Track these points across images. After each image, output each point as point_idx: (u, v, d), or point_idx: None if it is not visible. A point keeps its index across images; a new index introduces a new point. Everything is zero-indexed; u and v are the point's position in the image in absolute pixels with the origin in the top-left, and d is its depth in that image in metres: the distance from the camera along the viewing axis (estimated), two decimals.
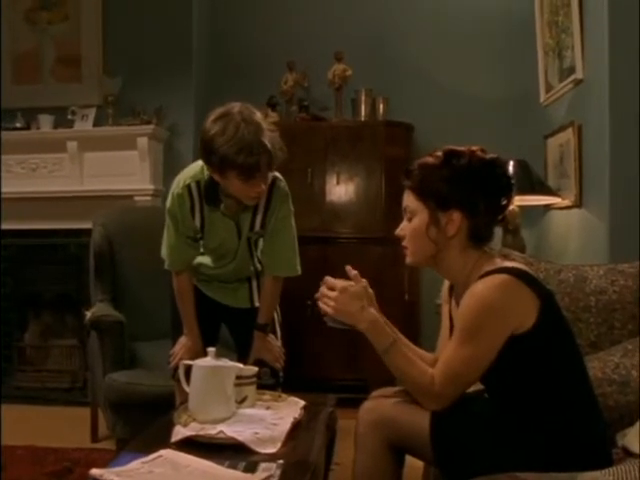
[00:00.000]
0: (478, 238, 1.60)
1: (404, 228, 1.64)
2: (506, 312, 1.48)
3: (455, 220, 1.56)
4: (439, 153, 1.61)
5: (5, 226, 4.04)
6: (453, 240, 1.58)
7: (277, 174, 2.21)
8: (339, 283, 1.59)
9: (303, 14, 4.32)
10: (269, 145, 1.96)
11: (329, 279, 1.62)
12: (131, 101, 4.01)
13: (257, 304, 2.39)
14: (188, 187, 2.15)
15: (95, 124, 4.03)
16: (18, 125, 4.07)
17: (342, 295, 1.57)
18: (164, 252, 2.31)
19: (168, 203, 2.23)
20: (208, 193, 2.14)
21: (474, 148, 1.60)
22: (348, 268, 1.64)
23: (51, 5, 4.18)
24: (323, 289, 1.60)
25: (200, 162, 2.14)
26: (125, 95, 4.07)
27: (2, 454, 2.84)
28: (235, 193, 2.07)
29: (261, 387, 1.99)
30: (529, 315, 1.48)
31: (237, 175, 1.97)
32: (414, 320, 3.98)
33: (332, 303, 1.58)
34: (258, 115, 2.02)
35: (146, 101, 3.98)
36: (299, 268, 2.32)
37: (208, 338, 2.26)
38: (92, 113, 4.04)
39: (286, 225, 2.25)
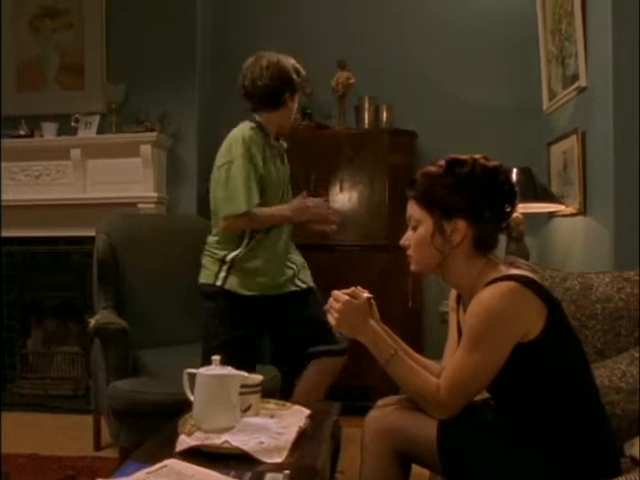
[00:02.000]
0: (483, 246, 1.60)
1: (409, 238, 1.64)
2: (513, 319, 1.47)
3: (460, 228, 1.56)
4: (442, 162, 1.61)
5: (8, 233, 4.05)
6: (458, 248, 1.58)
7: None
8: (343, 297, 1.61)
9: (306, 22, 4.33)
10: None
11: (336, 292, 1.64)
12: (134, 108, 4.03)
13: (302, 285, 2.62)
14: (251, 130, 2.46)
15: (99, 131, 4.04)
16: (22, 132, 4.08)
17: (344, 308, 1.60)
18: (237, 196, 2.40)
19: (238, 149, 2.40)
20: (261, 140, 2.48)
21: (477, 156, 1.60)
22: (358, 288, 1.66)
23: (55, 13, 4.20)
24: (330, 301, 1.63)
25: (244, 126, 2.48)
26: (129, 102, 4.08)
27: (3, 462, 2.83)
28: (289, 119, 2.59)
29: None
30: (536, 323, 1.47)
31: (291, 99, 2.54)
32: (418, 327, 3.97)
33: (335, 315, 1.60)
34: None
35: (150, 108, 3.99)
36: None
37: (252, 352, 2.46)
38: (96, 120, 4.05)
39: None
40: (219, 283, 2.51)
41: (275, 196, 2.54)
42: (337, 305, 1.60)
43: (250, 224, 2.47)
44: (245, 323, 2.49)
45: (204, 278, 2.58)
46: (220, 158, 2.50)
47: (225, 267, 2.52)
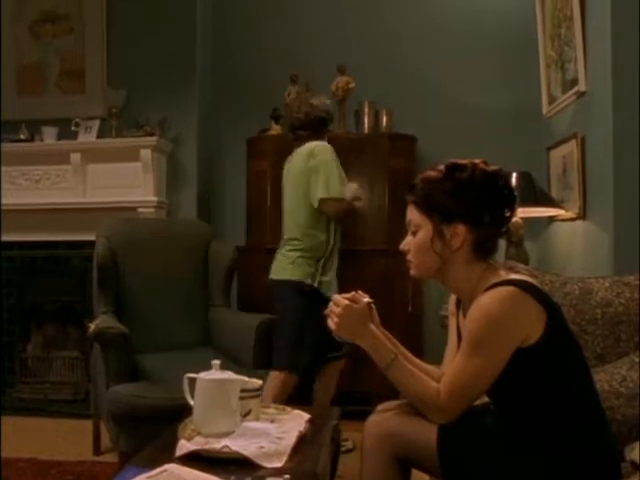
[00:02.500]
0: (483, 250, 1.60)
1: (408, 242, 1.64)
2: (513, 324, 1.47)
3: (460, 233, 1.56)
4: (441, 167, 1.61)
5: (8, 238, 4.05)
6: (458, 253, 1.58)
7: None
8: (343, 301, 1.61)
9: (306, 26, 4.34)
10: None
11: (336, 296, 1.64)
12: (135, 113, 4.03)
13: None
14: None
15: (99, 136, 4.04)
16: (22, 137, 4.08)
17: (344, 312, 1.60)
18: (335, 185, 2.95)
19: (328, 154, 2.99)
20: None
21: (476, 161, 1.60)
22: (359, 293, 1.67)
23: (56, 18, 4.21)
24: (331, 305, 1.63)
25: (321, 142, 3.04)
26: (129, 107, 4.09)
27: (2, 467, 2.83)
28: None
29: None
30: (536, 327, 1.47)
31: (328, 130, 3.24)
32: (418, 332, 3.96)
33: (335, 319, 1.60)
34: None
35: (150, 113, 4.00)
36: None
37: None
38: (96, 125, 4.05)
39: None
40: (316, 284, 2.94)
41: None
42: (337, 310, 1.60)
43: (342, 207, 3.01)
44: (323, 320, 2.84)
45: (298, 276, 2.95)
46: (309, 160, 2.97)
47: (320, 268, 2.98)
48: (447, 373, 1.55)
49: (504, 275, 1.55)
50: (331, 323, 1.61)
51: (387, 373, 1.57)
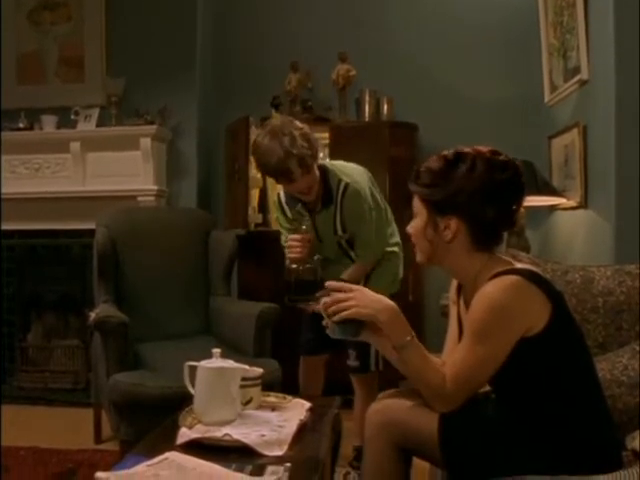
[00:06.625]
0: (483, 242, 1.57)
1: (413, 226, 1.63)
2: (517, 314, 1.46)
3: (452, 226, 1.53)
4: (443, 156, 1.57)
5: (8, 227, 4.04)
6: (453, 244, 1.56)
7: (346, 179, 2.51)
8: (347, 285, 1.57)
9: (307, 14, 4.32)
10: (294, 150, 2.28)
11: (332, 283, 1.58)
12: (134, 101, 4.02)
13: None
14: (278, 195, 2.66)
15: (98, 124, 4.02)
16: (21, 125, 4.07)
17: (358, 293, 1.54)
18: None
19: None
20: (287, 198, 2.59)
21: (483, 150, 1.55)
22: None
23: (54, 6, 4.18)
24: (334, 295, 1.55)
25: None
26: (128, 95, 4.07)
27: (2, 455, 2.83)
28: (291, 192, 2.47)
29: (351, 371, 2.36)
30: (540, 317, 1.46)
31: (279, 180, 2.41)
32: (418, 321, 3.96)
33: (353, 302, 1.52)
34: (286, 125, 2.34)
35: (149, 102, 3.98)
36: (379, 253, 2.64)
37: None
38: (95, 113, 4.04)
39: (363, 221, 2.52)
40: None
41: None
42: (349, 295, 1.53)
43: None
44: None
45: None
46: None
47: None
48: (450, 362, 1.54)
49: (508, 264, 1.54)
50: (347, 312, 1.51)
51: (401, 352, 1.52)
